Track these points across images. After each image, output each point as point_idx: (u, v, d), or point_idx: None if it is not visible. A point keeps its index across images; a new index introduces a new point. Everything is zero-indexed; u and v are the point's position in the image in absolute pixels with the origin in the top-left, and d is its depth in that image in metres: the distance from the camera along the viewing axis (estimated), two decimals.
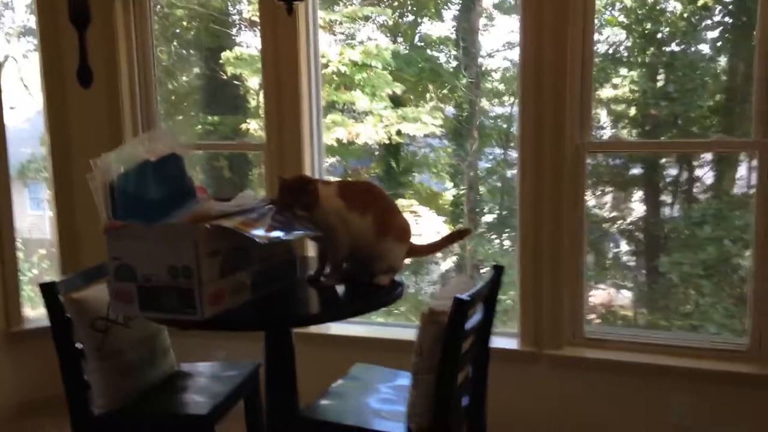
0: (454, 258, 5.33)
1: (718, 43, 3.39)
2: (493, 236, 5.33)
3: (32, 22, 3.40)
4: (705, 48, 3.51)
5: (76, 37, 2.48)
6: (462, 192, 5.30)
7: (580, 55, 2.69)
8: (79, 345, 2.07)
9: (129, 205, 1.72)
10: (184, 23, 4.36)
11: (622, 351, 2.81)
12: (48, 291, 2.00)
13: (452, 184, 5.45)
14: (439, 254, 5.18)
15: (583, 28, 2.68)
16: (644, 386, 2.76)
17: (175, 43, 4.29)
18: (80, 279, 2.17)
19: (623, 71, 3.71)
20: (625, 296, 4.29)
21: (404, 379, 2.15)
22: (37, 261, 4.60)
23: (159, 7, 3.70)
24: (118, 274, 1.70)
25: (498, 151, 5.30)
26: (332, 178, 4.68)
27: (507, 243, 5.27)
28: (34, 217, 4.98)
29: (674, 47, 3.65)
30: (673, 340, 2.85)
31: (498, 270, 1.96)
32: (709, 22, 3.43)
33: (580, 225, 2.79)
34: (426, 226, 5.14)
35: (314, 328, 2.99)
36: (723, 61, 3.43)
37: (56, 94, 3.24)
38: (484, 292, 1.86)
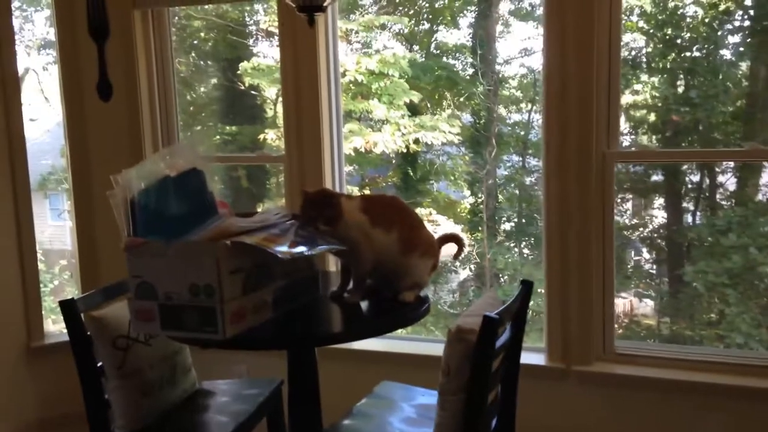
0: (473, 266, 5.29)
1: (740, 49, 3.34)
2: (512, 244, 5.29)
3: (51, 34, 3.41)
4: (726, 53, 3.46)
5: (95, 49, 2.48)
6: (480, 200, 5.26)
7: (606, 62, 2.64)
8: (99, 363, 2.04)
9: (150, 221, 1.69)
10: (202, 34, 4.37)
11: (655, 367, 2.73)
12: (68, 309, 1.97)
13: (470, 192, 5.42)
14: (457, 263, 5.15)
15: (609, 34, 2.63)
16: (678, 404, 2.67)
17: (192, 55, 4.30)
18: (100, 296, 2.15)
19: (644, 77, 3.67)
20: (648, 305, 4.22)
21: (429, 398, 2.10)
22: (58, 272, 4.62)
23: (176, 18, 3.69)
24: (139, 293, 1.67)
25: (516, 158, 5.27)
26: (354, 192, 4.67)
27: (526, 251, 5.22)
28: (55, 228, 5.01)
29: (695, 53, 3.60)
30: (709, 355, 2.76)
31: (527, 285, 1.90)
32: (730, 26, 3.38)
33: (609, 235, 2.73)
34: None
35: (337, 344, 2.95)
36: (744, 66, 3.38)
37: (76, 107, 3.25)
38: (514, 309, 1.81)
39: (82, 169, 3.28)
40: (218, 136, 4.38)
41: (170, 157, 1.83)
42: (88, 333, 2.01)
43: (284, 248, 1.69)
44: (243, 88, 4.46)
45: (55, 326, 3.44)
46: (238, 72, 4.44)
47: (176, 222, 1.73)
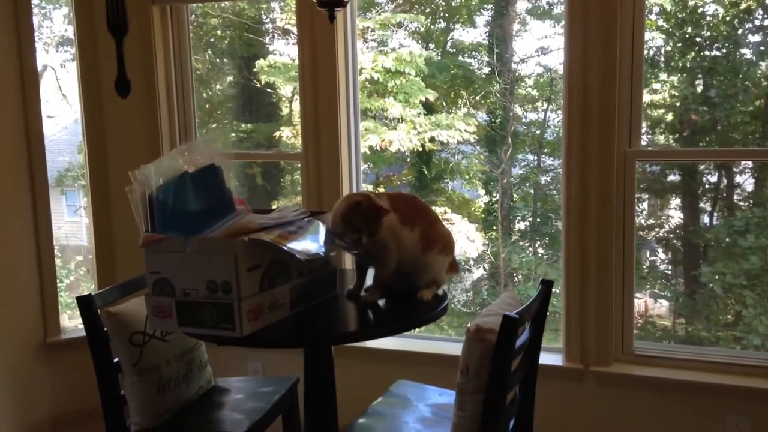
0: (487, 265, 5.27)
1: (761, 48, 3.30)
2: (527, 244, 5.26)
3: (70, 32, 3.42)
4: (747, 52, 3.42)
5: (113, 46, 2.48)
6: (495, 199, 5.24)
7: (629, 60, 2.61)
8: (116, 359, 2.04)
9: (168, 217, 1.69)
10: (218, 32, 4.38)
11: (674, 369, 2.70)
12: (85, 304, 1.97)
13: (485, 191, 5.40)
14: (471, 262, 5.13)
15: (633, 31, 2.61)
16: (698, 406, 2.64)
17: (209, 52, 4.30)
18: (117, 292, 2.15)
19: (663, 76, 3.63)
20: (663, 306, 4.19)
21: (446, 398, 2.09)
22: (74, 268, 4.64)
23: (193, 16, 3.70)
24: (156, 289, 1.67)
25: (531, 157, 5.24)
26: (369, 188, 4.66)
27: (541, 251, 5.20)
28: (71, 224, 5.04)
29: (715, 51, 3.56)
30: (728, 357, 2.73)
31: (547, 285, 1.88)
32: (750, 25, 3.34)
33: (629, 235, 2.70)
34: (458, 233, 5.09)
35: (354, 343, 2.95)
36: (764, 65, 3.34)
37: (94, 103, 3.25)
38: (534, 309, 1.79)
39: (100, 166, 3.29)
40: (234, 134, 4.39)
41: (188, 153, 1.83)
42: (105, 329, 2.01)
43: (300, 246, 1.68)
44: (259, 85, 4.47)
45: (71, 322, 3.45)
46: (255, 70, 4.45)
47: (194, 218, 1.73)
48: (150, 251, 1.66)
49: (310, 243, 1.74)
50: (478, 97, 5.26)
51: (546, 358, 2.80)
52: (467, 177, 5.49)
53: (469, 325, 1.72)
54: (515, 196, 5.35)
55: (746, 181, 3.83)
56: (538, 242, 5.27)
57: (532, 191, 5.34)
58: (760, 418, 2.57)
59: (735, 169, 3.76)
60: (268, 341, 1.76)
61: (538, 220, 5.27)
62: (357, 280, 1.93)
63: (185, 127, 3.35)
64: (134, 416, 2.04)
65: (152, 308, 1.69)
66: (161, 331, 2.08)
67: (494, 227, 5.24)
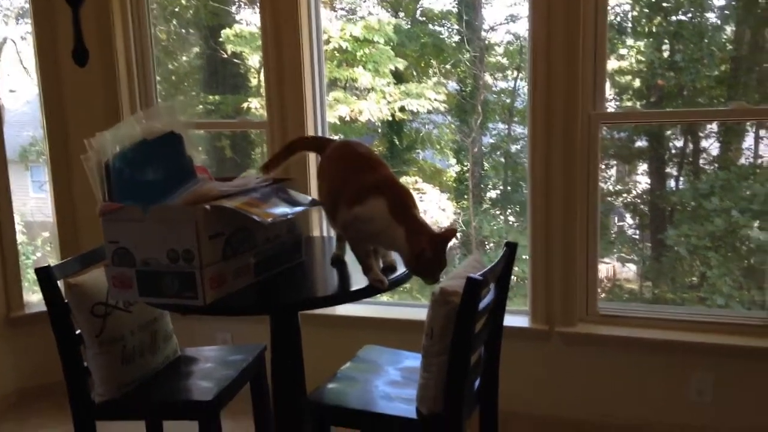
0: (459, 234, 5.29)
1: (726, 12, 3.31)
2: (498, 212, 5.29)
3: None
4: (712, 17, 3.43)
5: (71, 16, 2.42)
6: (466, 168, 5.24)
7: (593, 24, 2.61)
8: (78, 331, 2.01)
9: (125, 186, 1.65)
10: (183, 1, 4.27)
11: (637, 327, 2.76)
12: (44, 276, 1.94)
13: (456, 160, 5.40)
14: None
15: None
16: (661, 363, 2.71)
17: (174, 23, 4.21)
18: (78, 263, 2.12)
19: (629, 41, 3.64)
20: (630, 270, 4.25)
21: (413, 361, 2.10)
22: (41, 244, 4.58)
23: None
24: (116, 259, 1.65)
25: (502, 126, 5.24)
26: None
27: (512, 218, 5.23)
28: (37, 200, 4.96)
29: (681, 16, 3.56)
30: (689, 315, 2.79)
31: (511, 247, 1.89)
32: None
33: (593, 198, 2.72)
34: (430, 203, 5.10)
35: (320, 309, 2.94)
36: (729, 30, 3.35)
37: (52, 75, 3.19)
38: (498, 271, 1.80)
39: (59, 138, 3.23)
40: (201, 106, 4.31)
41: (146, 120, 1.79)
42: (66, 301, 1.98)
43: (266, 212, 1.67)
44: (225, 56, 4.39)
45: (36, 296, 3.41)
46: (221, 39, 4.36)
47: (153, 186, 1.69)
48: (108, 220, 1.64)
49: (276, 209, 1.73)
50: (448, 66, 5.23)
51: (513, 321, 2.84)
52: (438, 146, 5.49)
53: (434, 288, 1.72)
54: (486, 164, 5.36)
55: (711, 146, 3.88)
56: (509, 210, 5.29)
57: (502, 160, 5.34)
58: (722, 372, 2.64)
59: (701, 134, 3.80)
60: (232, 309, 1.75)
61: (509, 188, 5.29)
62: (339, 244, 1.92)
63: (146, 96, 3.29)
64: (98, 387, 2.02)
65: (112, 279, 1.67)
66: (124, 301, 2.06)
67: (465, 196, 5.26)
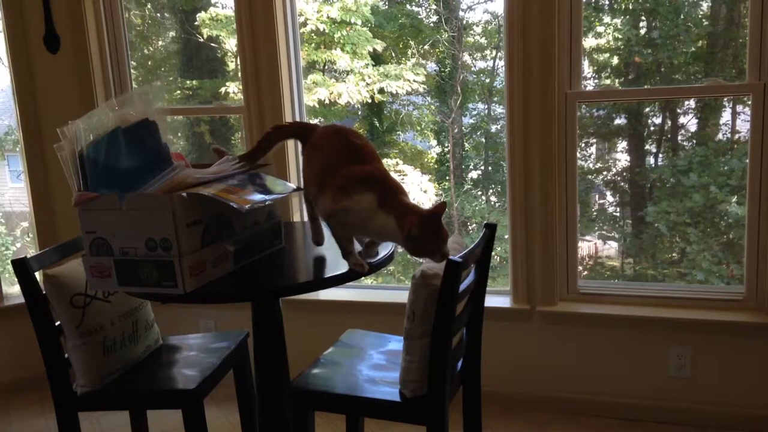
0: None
1: None
2: (479, 192, 5.30)
3: None
4: None
5: (41, 1, 2.37)
6: (446, 149, 5.24)
7: (568, 2, 2.61)
8: (58, 322, 2.00)
9: (100, 175, 1.63)
10: None
11: (618, 305, 2.79)
12: (21, 267, 1.91)
13: (436, 141, 5.39)
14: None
15: None
16: (641, 339, 2.74)
17: (148, 6, 4.14)
18: (56, 254, 2.09)
19: (606, 19, 3.63)
20: (612, 247, 4.29)
21: (396, 344, 2.11)
22: (20, 234, 4.52)
23: None
24: (93, 249, 1.62)
25: (482, 106, 5.24)
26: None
27: (493, 199, 5.25)
28: (15, 190, 4.88)
29: None
30: (669, 291, 2.83)
31: (491, 228, 1.89)
32: None
33: (572, 177, 2.74)
34: (412, 185, 5.10)
35: (302, 295, 2.94)
36: (705, 6, 3.36)
37: (23, 62, 3.12)
38: (478, 252, 1.80)
39: (33, 127, 3.17)
40: (179, 91, 4.26)
41: (120, 107, 1.75)
42: (44, 292, 1.96)
43: (245, 199, 1.65)
44: (202, 40, 4.33)
45: (17, 288, 3.37)
46: (196, 23, 4.30)
47: (129, 175, 1.67)
48: (84, 210, 1.61)
49: (254, 195, 1.71)
50: (426, 47, 5.20)
51: (495, 301, 2.86)
52: (419, 128, 5.48)
53: (415, 271, 1.72)
54: (467, 145, 5.36)
55: (690, 122, 3.90)
56: (491, 190, 5.31)
57: (483, 140, 5.35)
58: (700, 346, 2.68)
59: (678, 110, 3.82)
60: (212, 297, 1.73)
61: (490, 168, 5.30)
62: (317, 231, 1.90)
63: (120, 82, 3.23)
64: (80, 379, 2.00)
65: (90, 269, 1.65)
66: (103, 292, 2.04)
67: (447, 177, 5.26)
